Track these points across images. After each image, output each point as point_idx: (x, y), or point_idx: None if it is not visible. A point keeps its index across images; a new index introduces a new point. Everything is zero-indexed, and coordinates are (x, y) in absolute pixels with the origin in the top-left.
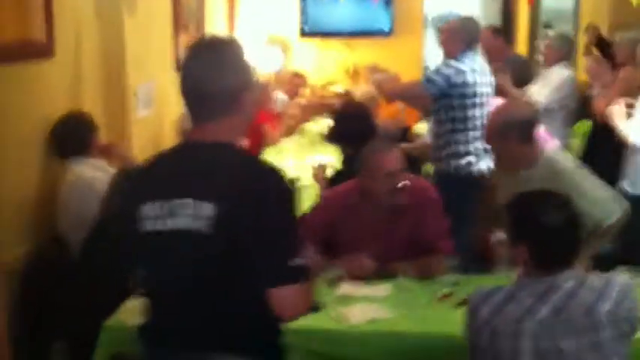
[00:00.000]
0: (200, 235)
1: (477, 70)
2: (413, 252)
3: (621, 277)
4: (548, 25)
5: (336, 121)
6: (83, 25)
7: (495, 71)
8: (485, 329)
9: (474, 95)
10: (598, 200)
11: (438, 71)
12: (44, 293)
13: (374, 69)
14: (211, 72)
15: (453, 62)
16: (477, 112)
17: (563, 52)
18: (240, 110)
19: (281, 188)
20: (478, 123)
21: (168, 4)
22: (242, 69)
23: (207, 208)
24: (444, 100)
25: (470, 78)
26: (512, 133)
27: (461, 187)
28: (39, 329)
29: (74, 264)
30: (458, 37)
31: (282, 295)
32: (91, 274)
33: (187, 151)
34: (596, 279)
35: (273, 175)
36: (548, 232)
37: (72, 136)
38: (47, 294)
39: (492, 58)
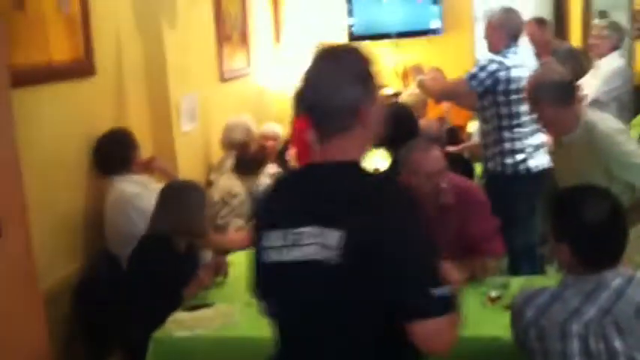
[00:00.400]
0: (328, 266)
1: (521, 65)
2: (459, 253)
3: None
4: (603, 14)
5: None
6: (123, 41)
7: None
8: (532, 331)
9: (520, 91)
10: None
11: (481, 67)
12: (96, 307)
13: (418, 69)
14: (329, 83)
15: (497, 57)
16: (523, 107)
17: (614, 42)
18: (363, 124)
19: (414, 212)
20: (526, 119)
21: (211, 15)
22: (363, 79)
23: (335, 236)
24: (489, 96)
25: (514, 73)
26: (546, 95)
27: (510, 186)
28: (93, 342)
29: (124, 277)
30: (501, 30)
31: (426, 330)
32: (139, 287)
33: (310, 173)
34: None
35: (404, 197)
36: (590, 228)
37: (113, 153)
38: (99, 308)
39: (539, 51)
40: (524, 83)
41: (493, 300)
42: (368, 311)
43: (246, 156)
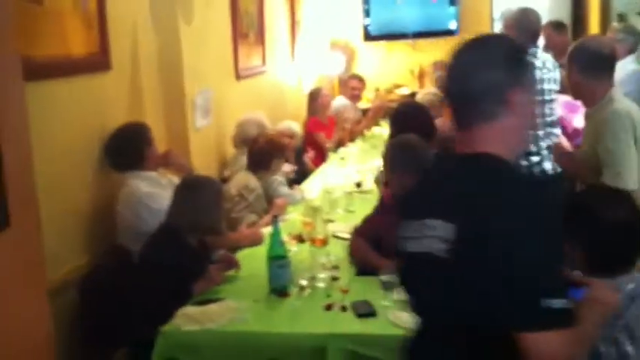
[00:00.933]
0: (439, 259)
1: (539, 67)
2: None
3: None
4: (621, 17)
5: (392, 123)
6: (139, 36)
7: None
8: None
9: (536, 93)
10: None
11: None
12: (105, 300)
13: (438, 65)
14: (472, 70)
15: None
16: (539, 110)
17: (629, 45)
18: (511, 113)
19: (541, 214)
20: (542, 121)
21: (227, 13)
22: (510, 63)
23: (449, 230)
24: None
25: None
26: (577, 60)
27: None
28: (102, 336)
29: (134, 271)
30: (516, 30)
31: (535, 343)
32: (150, 280)
33: (445, 163)
34: None
35: (532, 197)
36: (605, 233)
37: (126, 149)
38: (107, 301)
39: (557, 55)
40: (539, 85)
41: None
42: (472, 312)
43: (255, 150)
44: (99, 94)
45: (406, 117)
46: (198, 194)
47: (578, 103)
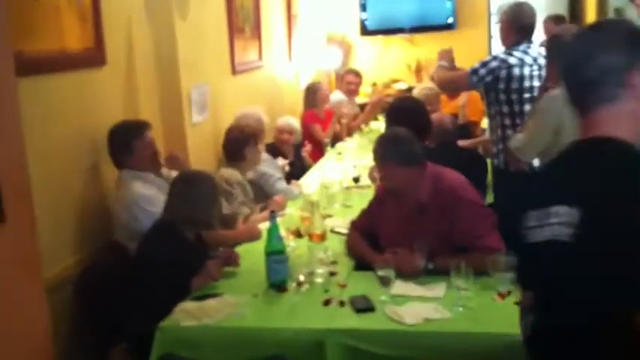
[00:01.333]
0: (566, 244)
1: (528, 63)
2: (456, 250)
3: None
4: (618, 11)
5: (387, 118)
6: (134, 31)
7: None
8: None
9: (523, 90)
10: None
11: (483, 63)
12: (101, 296)
13: (442, 54)
14: (590, 54)
15: (501, 54)
16: (527, 107)
17: None
18: (631, 96)
19: None
20: (507, 120)
21: (222, 7)
22: (629, 48)
23: (575, 215)
24: (492, 93)
25: (517, 71)
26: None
27: (514, 183)
28: (100, 332)
29: (131, 267)
30: (510, 26)
31: None
32: (148, 275)
33: (569, 150)
34: None
35: None
36: None
37: (113, 142)
38: (104, 297)
39: None
40: (528, 83)
41: (503, 295)
42: (598, 299)
43: (227, 142)
44: (94, 90)
45: (401, 112)
46: (193, 188)
47: None
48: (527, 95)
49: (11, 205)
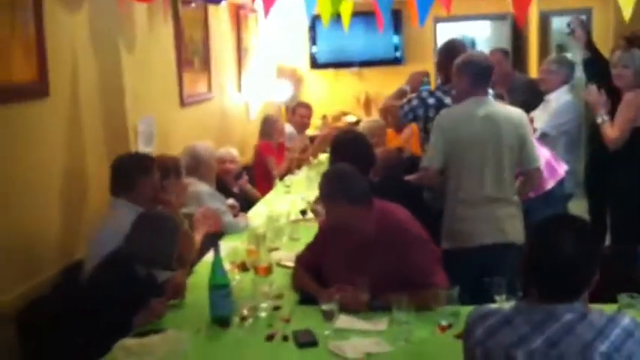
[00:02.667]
0: None
1: (447, 104)
2: (402, 286)
3: (627, 318)
4: (562, 47)
5: (331, 153)
6: (79, 62)
7: (497, 97)
8: (478, 350)
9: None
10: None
11: (408, 100)
12: (41, 334)
13: (411, 77)
14: None
15: (423, 92)
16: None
17: (563, 76)
18: None
19: None
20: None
21: (171, 40)
22: None
23: None
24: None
25: (432, 113)
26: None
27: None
28: None
29: (77, 299)
30: (438, 65)
31: None
32: (93, 307)
33: None
34: (598, 316)
35: None
36: (550, 260)
37: (118, 174)
38: (45, 334)
39: (498, 80)
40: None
41: (444, 329)
42: None
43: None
44: (37, 122)
45: (344, 146)
46: (158, 228)
47: None
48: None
49: None
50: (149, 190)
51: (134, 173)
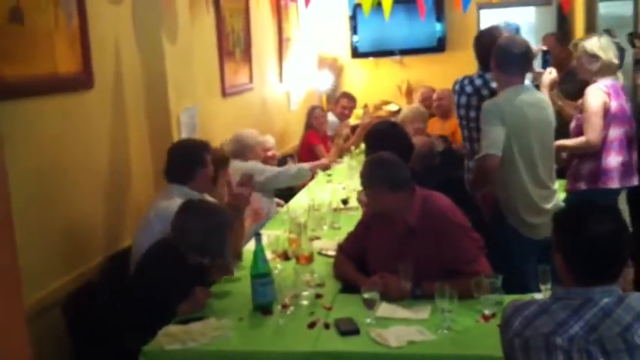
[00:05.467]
0: None
1: (467, 92)
2: (444, 274)
3: None
4: (609, 32)
5: (367, 142)
6: (123, 54)
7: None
8: (517, 342)
9: (461, 117)
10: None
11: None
12: (90, 319)
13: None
14: None
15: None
16: (465, 132)
17: None
18: None
19: None
20: (467, 144)
21: (213, 31)
22: None
23: None
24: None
25: (457, 99)
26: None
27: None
28: (82, 355)
29: (127, 282)
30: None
31: None
32: (141, 295)
33: None
34: (637, 298)
35: None
36: (583, 243)
37: (176, 163)
38: (95, 318)
39: (554, 67)
40: (463, 111)
41: (487, 318)
42: None
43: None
44: (81, 113)
45: (380, 135)
46: (210, 219)
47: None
48: (463, 122)
49: None
50: (206, 180)
51: (194, 164)
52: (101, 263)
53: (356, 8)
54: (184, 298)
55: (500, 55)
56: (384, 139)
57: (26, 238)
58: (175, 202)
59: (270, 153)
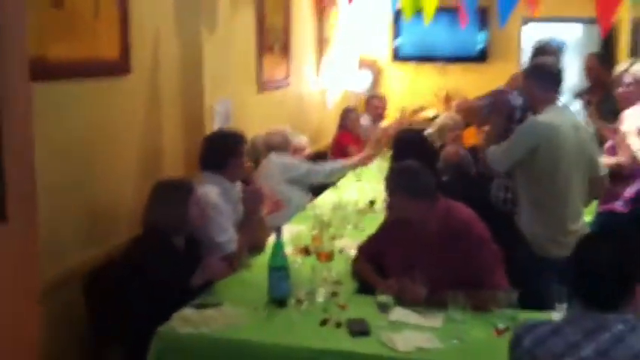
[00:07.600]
0: None
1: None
2: (461, 285)
3: None
4: None
5: (393, 149)
6: (161, 42)
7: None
8: (526, 359)
9: None
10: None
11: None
12: (109, 296)
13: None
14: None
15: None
16: None
17: None
18: None
19: None
20: None
21: (252, 25)
22: None
23: None
24: None
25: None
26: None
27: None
28: (98, 332)
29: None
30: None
31: None
32: (152, 280)
33: None
34: None
35: None
36: (585, 272)
37: (210, 153)
38: (108, 299)
39: (593, 88)
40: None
41: (500, 332)
42: None
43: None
44: (117, 98)
45: (404, 144)
46: (166, 195)
47: None
48: None
49: (15, 204)
50: (239, 169)
51: (228, 154)
52: (124, 243)
53: (398, 12)
54: (186, 280)
55: (535, 73)
56: (407, 148)
57: (54, 213)
58: (207, 189)
59: (306, 152)
